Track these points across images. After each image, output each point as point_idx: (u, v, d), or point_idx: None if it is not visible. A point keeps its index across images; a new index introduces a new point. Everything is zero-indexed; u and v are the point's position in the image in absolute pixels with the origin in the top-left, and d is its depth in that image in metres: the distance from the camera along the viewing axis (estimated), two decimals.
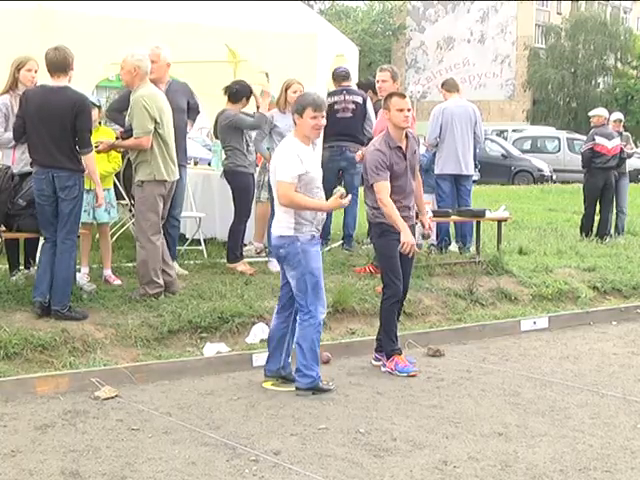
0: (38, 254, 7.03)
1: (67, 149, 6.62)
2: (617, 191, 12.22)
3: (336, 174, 9.55)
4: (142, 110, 7.11)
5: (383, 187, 6.38)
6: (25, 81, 7.17)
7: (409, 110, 6.48)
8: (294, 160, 5.85)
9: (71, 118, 6.55)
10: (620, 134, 12.33)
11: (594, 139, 12.07)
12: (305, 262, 5.90)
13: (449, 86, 10.03)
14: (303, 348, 5.95)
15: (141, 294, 7.25)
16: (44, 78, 6.93)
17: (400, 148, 6.49)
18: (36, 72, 7.18)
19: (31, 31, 7.60)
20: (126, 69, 7.20)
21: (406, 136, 6.56)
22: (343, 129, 9.44)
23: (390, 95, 6.61)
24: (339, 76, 9.72)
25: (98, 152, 7.59)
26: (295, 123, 6.03)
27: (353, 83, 10.01)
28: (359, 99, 9.61)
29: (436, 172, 9.83)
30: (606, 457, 4.88)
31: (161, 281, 7.32)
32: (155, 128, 7.19)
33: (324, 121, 6.00)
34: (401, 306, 6.84)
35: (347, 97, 9.56)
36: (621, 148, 11.92)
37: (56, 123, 6.54)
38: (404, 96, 6.60)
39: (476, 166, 10.22)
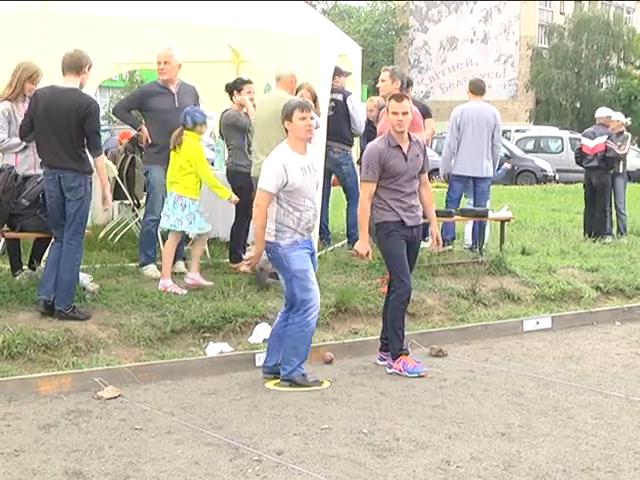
0: (47, 253, 7.05)
1: (72, 150, 6.63)
2: (614, 191, 12.20)
3: (328, 176, 9.54)
4: None
5: (367, 187, 6.50)
6: (27, 92, 7.20)
7: (405, 114, 6.46)
8: (279, 171, 5.96)
9: (78, 120, 6.58)
10: (621, 134, 12.25)
11: (580, 140, 12.12)
12: (287, 266, 6.05)
13: (474, 87, 10.09)
14: (286, 343, 6.13)
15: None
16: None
17: (400, 148, 6.49)
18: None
19: (34, 31, 7.60)
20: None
21: (410, 139, 6.57)
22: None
23: (390, 97, 6.69)
24: None
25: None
26: (287, 131, 6.14)
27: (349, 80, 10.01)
28: (339, 96, 9.63)
29: (453, 172, 10.00)
30: (609, 457, 4.88)
31: None
32: None
33: (313, 121, 6.16)
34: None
35: (329, 95, 9.58)
36: (605, 147, 11.76)
37: (62, 124, 6.57)
38: (401, 99, 6.56)
39: (498, 169, 10.25)
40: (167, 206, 7.82)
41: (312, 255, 6.23)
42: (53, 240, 6.89)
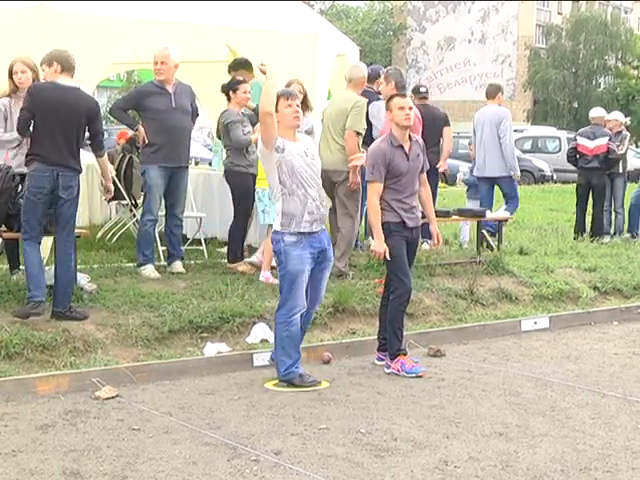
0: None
1: (76, 150, 6.70)
2: (612, 191, 12.20)
3: None
4: None
5: (374, 187, 6.48)
6: (18, 83, 7.16)
7: (410, 108, 6.55)
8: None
9: (85, 121, 6.66)
10: (619, 133, 12.22)
11: (576, 139, 12.12)
12: (285, 263, 6.07)
13: (485, 91, 10.70)
14: (275, 343, 6.20)
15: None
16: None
17: (402, 147, 6.52)
18: (23, 72, 7.10)
19: (32, 31, 7.60)
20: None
21: (410, 139, 6.60)
22: None
23: (391, 97, 6.77)
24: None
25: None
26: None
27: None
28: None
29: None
30: (607, 457, 4.88)
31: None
32: None
33: (299, 109, 6.20)
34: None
35: None
36: (608, 148, 11.75)
37: (72, 123, 6.61)
38: (404, 96, 6.79)
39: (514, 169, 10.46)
40: (262, 203, 7.98)
41: (323, 251, 6.19)
42: (28, 240, 6.66)
